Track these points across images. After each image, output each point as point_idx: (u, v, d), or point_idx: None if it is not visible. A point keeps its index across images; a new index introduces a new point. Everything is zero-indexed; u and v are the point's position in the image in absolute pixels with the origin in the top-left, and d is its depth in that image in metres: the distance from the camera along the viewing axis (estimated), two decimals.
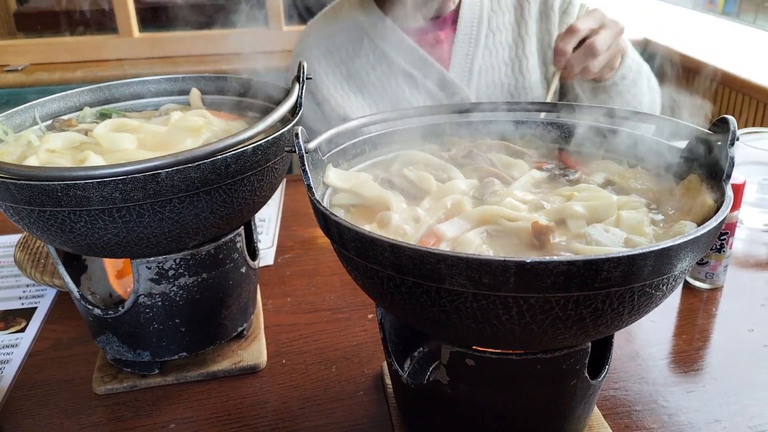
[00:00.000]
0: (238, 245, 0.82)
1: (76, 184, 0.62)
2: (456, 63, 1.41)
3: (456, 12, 1.43)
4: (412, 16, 1.41)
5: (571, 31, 1.16)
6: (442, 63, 1.41)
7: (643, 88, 1.34)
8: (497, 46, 1.43)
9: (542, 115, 0.82)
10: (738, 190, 0.94)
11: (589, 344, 0.59)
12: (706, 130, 0.65)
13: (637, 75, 1.31)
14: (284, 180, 1.43)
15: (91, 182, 0.62)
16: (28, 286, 1.05)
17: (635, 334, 0.91)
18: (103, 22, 2.46)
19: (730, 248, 0.98)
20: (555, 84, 1.20)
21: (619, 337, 0.89)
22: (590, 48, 1.15)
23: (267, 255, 1.13)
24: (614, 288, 0.48)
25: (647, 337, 0.90)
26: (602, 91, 1.30)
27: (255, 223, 0.90)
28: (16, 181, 0.63)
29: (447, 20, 1.43)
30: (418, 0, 1.37)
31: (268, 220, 1.25)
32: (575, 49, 1.17)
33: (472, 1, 1.42)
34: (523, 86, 1.43)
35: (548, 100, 1.21)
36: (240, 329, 0.87)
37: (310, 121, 1.43)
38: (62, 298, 1.02)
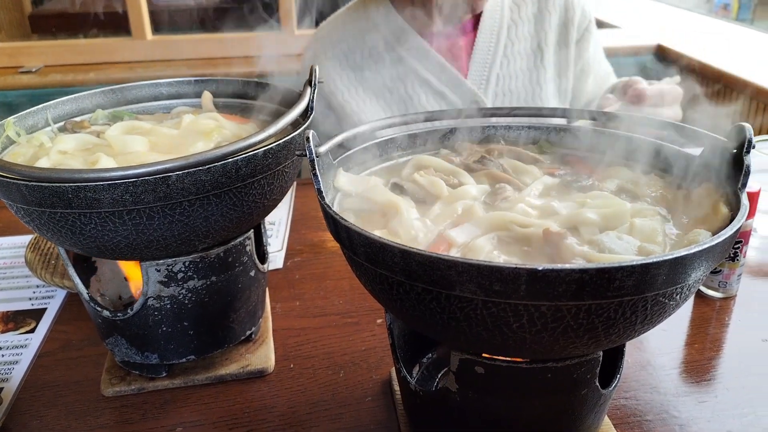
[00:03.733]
0: (248, 248, 0.82)
1: (87, 186, 0.62)
2: (474, 71, 1.41)
3: (476, 20, 1.42)
4: (433, 21, 1.40)
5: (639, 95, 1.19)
6: (460, 70, 1.41)
7: None
8: (515, 55, 1.43)
9: (555, 120, 0.82)
10: (753, 198, 0.93)
11: (601, 353, 0.59)
12: (722, 138, 0.64)
13: None
14: (294, 183, 1.43)
15: (102, 184, 0.62)
16: (38, 286, 1.06)
17: (647, 343, 0.90)
18: (116, 25, 2.47)
19: (744, 257, 0.97)
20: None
21: (630, 345, 0.88)
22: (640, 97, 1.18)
23: (276, 258, 1.12)
24: (627, 297, 0.47)
25: (659, 345, 0.89)
26: None
27: (265, 227, 0.89)
28: (27, 183, 0.63)
29: (467, 28, 1.43)
30: (441, 5, 1.37)
31: (278, 224, 1.25)
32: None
33: (493, 9, 1.42)
34: (540, 96, 1.43)
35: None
36: (248, 333, 0.87)
37: (323, 126, 1.42)
38: (72, 299, 1.02)
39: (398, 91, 1.40)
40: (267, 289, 0.96)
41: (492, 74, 1.41)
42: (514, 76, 1.42)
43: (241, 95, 0.95)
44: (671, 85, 1.17)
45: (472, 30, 1.42)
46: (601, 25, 2.78)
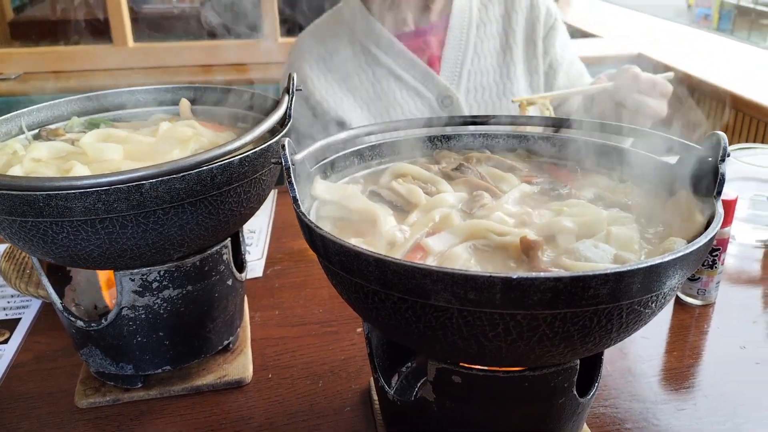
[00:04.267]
0: (225, 257, 0.81)
1: (58, 194, 0.61)
2: (446, 67, 1.46)
3: (446, 19, 1.48)
4: (404, 21, 1.46)
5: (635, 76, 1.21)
6: (433, 67, 1.46)
7: None
8: (485, 52, 1.49)
9: (534, 129, 0.82)
10: (730, 205, 0.94)
11: (578, 362, 0.58)
12: (697, 146, 0.64)
13: None
14: (275, 191, 1.42)
15: (74, 192, 0.61)
16: (12, 296, 1.04)
17: (626, 351, 0.90)
18: (97, 32, 2.45)
19: (722, 264, 0.98)
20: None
21: (610, 353, 0.88)
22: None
23: (256, 267, 1.11)
24: (602, 305, 0.47)
25: (638, 353, 0.89)
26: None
27: (243, 235, 0.89)
28: None
29: (438, 27, 1.48)
30: (406, 5, 1.44)
31: (258, 232, 1.24)
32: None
33: (462, 9, 1.47)
34: (511, 91, 1.49)
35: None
36: (226, 343, 0.86)
37: (304, 128, 1.44)
38: (47, 309, 1.01)
39: (374, 88, 1.45)
40: (245, 297, 0.95)
41: (464, 70, 1.46)
42: (485, 72, 1.48)
43: (220, 103, 0.94)
44: (663, 80, 1.21)
45: (443, 30, 1.48)
46: (584, 34, 2.81)
